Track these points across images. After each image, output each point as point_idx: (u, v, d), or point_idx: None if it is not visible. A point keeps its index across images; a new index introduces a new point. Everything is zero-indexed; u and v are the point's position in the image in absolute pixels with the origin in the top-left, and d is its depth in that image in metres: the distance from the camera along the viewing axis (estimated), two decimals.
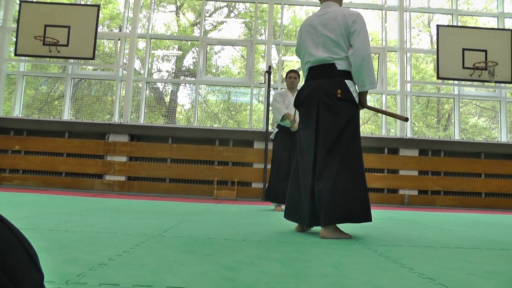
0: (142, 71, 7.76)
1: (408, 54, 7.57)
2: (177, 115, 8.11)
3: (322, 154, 2.27)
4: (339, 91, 2.33)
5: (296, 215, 2.41)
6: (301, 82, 4.27)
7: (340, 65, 2.37)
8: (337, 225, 2.27)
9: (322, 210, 2.19)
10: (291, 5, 8.02)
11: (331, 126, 2.30)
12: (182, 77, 8.23)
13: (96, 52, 6.89)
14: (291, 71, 4.44)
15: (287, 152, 4.22)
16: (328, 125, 2.31)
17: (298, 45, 2.59)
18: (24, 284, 0.59)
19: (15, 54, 6.89)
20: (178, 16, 8.83)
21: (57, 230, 2.00)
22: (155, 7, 7.89)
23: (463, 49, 6.91)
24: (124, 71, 7.29)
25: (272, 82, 7.00)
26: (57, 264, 1.23)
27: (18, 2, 6.94)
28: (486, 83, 6.99)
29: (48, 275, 0.94)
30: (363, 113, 7.98)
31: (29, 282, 0.60)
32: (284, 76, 4.48)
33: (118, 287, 1.02)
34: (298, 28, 2.68)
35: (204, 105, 7.96)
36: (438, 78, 6.99)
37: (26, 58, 7.24)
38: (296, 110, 3.75)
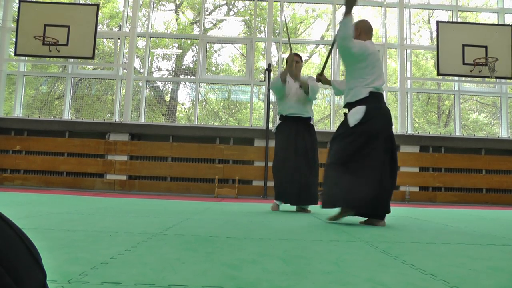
0: (142, 70, 7.76)
1: (408, 51, 7.55)
2: (177, 113, 8.11)
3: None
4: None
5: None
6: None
7: None
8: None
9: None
10: (291, 2, 8.00)
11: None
12: (182, 75, 8.23)
13: (96, 51, 6.89)
14: (294, 54, 4.01)
15: (293, 146, 3.80)
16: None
17: (374, 53, 2.92)
18: (27, 283, 0.59)
19: (15, 54, 6.89)
20: (178, 15, 8.82)
21: (59, 229, 2.01)
22: (154, 6, 7.88)
23: (463, 45, 6.89)
24: (124, 70, 7.29)
25: (272, 80, 7.00)
26: (59, 263, 1.24)
27: (18, 2, 6.94)
28: (486, 79, 6.99)
29: (50, 274, 0.95)
30: None
31: (32, 281, 0.61)
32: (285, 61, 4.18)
33: (120, 286, 1.02)
34: (372, 47, 2.97)
35: (204, 103, 7.96)
36: (438, 74, 6.98)
37: (26, 58, 7.24)
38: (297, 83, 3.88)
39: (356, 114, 2.82)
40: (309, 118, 3.97)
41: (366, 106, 2.82)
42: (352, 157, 2.80)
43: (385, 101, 2.99)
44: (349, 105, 2.93)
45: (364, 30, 3.00)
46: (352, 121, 2.82)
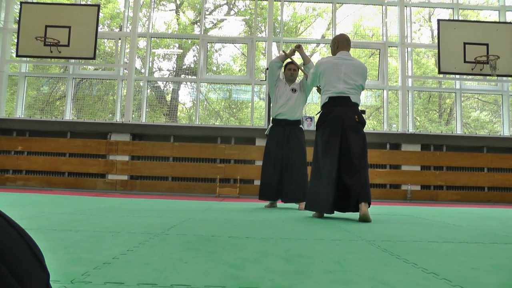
0: (143, 70, 7.76)
1: (409, 49, 7.54)
2: (178, 113, 8.11)
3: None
4: (356, 116, 3.16)
5: (319, 205, 3.12)
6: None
7: (353, 99, 3.22)
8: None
9: (355, 197, 2.96)
10: (291, 1, 8.00)
11: (356, 141, 3.10)
12: (183, 75, 8.23)
13: (97, 51, 6.89)
14: (291, 63, 4.37)
15: (281, 147, 4.16)
16: (353, 141, 3.09)
17: (321, 73, 3.34)
18: (31, 283, 0.59)
19: (17, 55, 6.89)
20: (178, 15, 8.82)
21: (61, 229, 2.01)
22: (155, 6, 7.88)
23: (464, 43, 6.87)
24: (125, 70, 7.29)
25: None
26: (62, 264, 1.24)
27: (19, 3, 6.95)
28: (488, 76, 6.96)
29: (53, 275, 0.95)
30: (364, 108, 7.94)
31: (35, 282, 0.61)
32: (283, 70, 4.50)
33: (123, 286, 1.02)
34: (318, 62, 3.43)
35: (205, 103, 7.97)
36: (439, 72, 6.97)
37: (28, 59, 7.25)
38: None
39: (317, 120, 3.30)
40: (298, 121, 4.27)
41: (322, 111, 3.28)
42: (313, 159, 3.26)
43: (349, 103, 3.21)
44: None
45: (341, 43, 3.40)
46: (316, 127, 3.31)
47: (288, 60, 4.37)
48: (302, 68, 4.24)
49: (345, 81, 3.20)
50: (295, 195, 4.07)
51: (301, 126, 4.30)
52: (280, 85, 4.31)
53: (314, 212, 3.28)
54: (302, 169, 4.12)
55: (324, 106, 3.28)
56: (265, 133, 4.45)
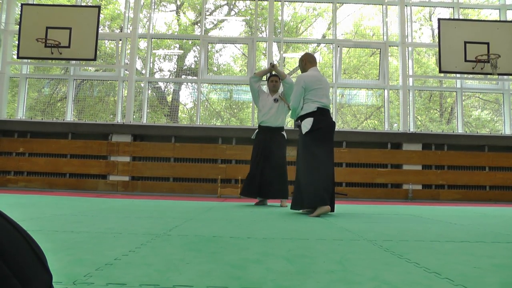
0: (143, 71, 7.76)
1: (410, 49, 7.53)
2: (179, 114, 8.12)
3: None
4: None
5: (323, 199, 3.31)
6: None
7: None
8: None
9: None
10: (291, 1, 8.00)
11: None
12: (184, 76, 8.24)
13: (97, 53, 6.90)
14: (273, 75, 4.85)
15: (263, 148, 4.60)
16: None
17: (306, 87, 3.60)
18: (33, 284, 0.60)
19: (18, 57, 6.91)
20: (179, 15, 8.82)
21: (63, 231, 2.01)
22: (155, 7, 7.89)
23: (465, 42, 6.86)
24: (125, 71, 7.30)
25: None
26: (64, 265, 1.24)
27: (20, 5, 6.96)
28: (488, 75, 6.95)
29: (55, 276, 0.95)
30: (365, 108, 7.95)
31: (38, 283, 0.61)
32: (268, 79, 5.00)
33: (125, 287, 1.03)
34: (302, 78, 3.65)
35: (206, 103, 7.97)
36: (440, 71, 6.96)
37: (29, 60, 7.26)
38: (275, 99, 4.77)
39: (307, 124, 3.51)
40: (280, 128, 4.74)
41: (313, 118, 3.51)
42: (306, 159, 3.48)
43: (331, 115, 3.71)
44: (301, 117, 3.65)
45: (308, 60, 3.76)
46: (304, 130, 3.51)
47: (273, 72, 4.84)
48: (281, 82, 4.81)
49: (327, 96, 3.63)
50: (280, 193, 4.55)
51: (283, 132, 4.73)
52: (263, 96, 4.81)
53: (306, 210, 3.57)
54: (283, 168, 4.59)
55: (313, 114, 3.57)
56: (252, 137, 4.91)
